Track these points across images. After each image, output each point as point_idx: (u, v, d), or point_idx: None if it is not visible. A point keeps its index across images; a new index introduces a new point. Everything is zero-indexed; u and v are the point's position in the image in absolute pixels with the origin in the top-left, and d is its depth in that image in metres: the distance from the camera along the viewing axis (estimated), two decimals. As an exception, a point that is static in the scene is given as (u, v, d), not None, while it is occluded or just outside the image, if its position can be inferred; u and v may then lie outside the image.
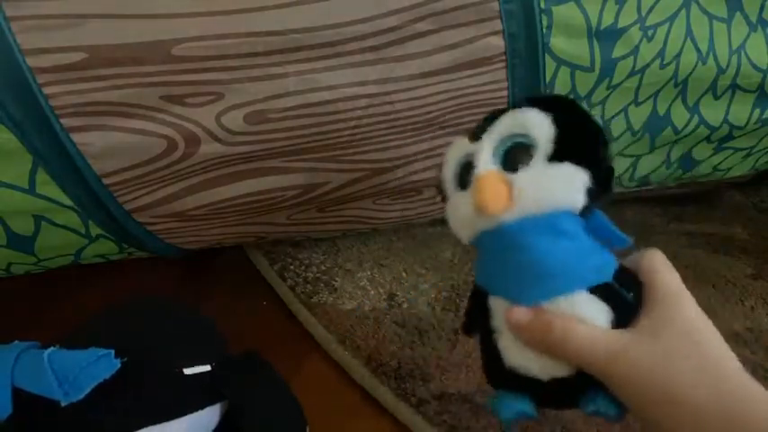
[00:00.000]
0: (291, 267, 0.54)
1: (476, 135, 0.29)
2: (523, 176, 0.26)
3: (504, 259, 0.27)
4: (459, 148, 0.30)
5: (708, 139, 0.50)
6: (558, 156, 0.26)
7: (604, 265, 0.26)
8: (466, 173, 0.28)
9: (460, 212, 0.28)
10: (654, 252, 0.28)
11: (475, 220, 0.27)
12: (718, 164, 0.55)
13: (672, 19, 0.41)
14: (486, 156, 0.27)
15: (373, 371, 0.43)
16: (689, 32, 0.42)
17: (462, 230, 0.29)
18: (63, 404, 0.30)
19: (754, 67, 0.45)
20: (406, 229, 0.58)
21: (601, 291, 0.26)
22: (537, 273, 0.26)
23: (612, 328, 0.25)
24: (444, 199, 0.31)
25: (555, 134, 0.26)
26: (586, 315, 0.25)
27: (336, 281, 0.52)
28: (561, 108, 0.27)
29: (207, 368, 0.36)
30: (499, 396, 0.29)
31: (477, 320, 0.30)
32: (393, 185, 0.46)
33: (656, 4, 0.40)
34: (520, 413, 0.27)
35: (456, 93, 0.40)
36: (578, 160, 0.26)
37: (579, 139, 0.26)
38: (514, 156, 0.27)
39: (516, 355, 0.27)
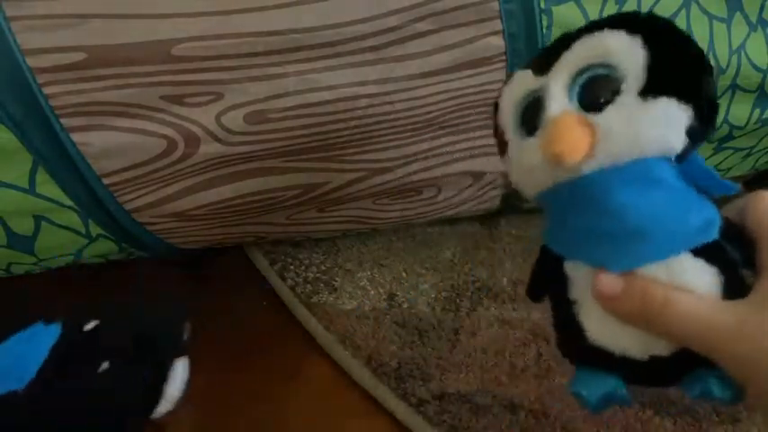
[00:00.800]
0: (291, 267, 0.54)
1: (542, 66, 0.24)
2: (609, 117, 0.21)
3: (586, 217, 0.22)
4: (522, 83, 0.24)
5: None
6: (652, 88, 0.21)
7: (709, 221, 0.22)
8: (533, 114, 0.23)
9: (527, 163, 0.23)
10: (761, 197, 0.23)
11: (547, 171, 0.23)
12: (718, 164, 0.55)
13: (672, 19, 0.41)
14: (559, 91, 0.22)
15: (373, 371, 0.42)
16: (689, 32, 0.42)
17: (529, 185, 0.24)
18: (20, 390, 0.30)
19: (754, 67, 0.45)
20: (406, 229, 0.58)
21: (707, 251, 0.21)
22: (628, 233, 0.21)
23: (724, 295, 0.21)
24: (502, 149, 0.26)
25: (647, 61, 0.21)
26: (692, 282, 0.21)
27: (336, 281, 0.52)
28: (652, 28, 0.22)
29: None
30: (581, 376, 0.24)
31: (546, 287, 0.26)
32: (393, 185, 0.46)
33: (655, 4, 0.40)
34: (610, 395, 0.23)
35: (456, 93, 0.40)
36: (678, 93, 0.21)
37: (678, 67, 0.21)
38: (595, 90, 0.22)
39: (604, 331, 0.23)
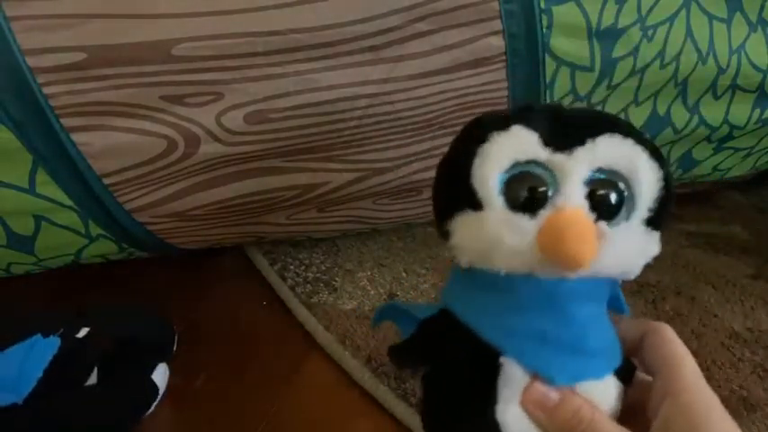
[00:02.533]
0: (291, 267, 0.54)
1: (560, 142, 0.21)
2: (620, 235, 0.21)
3: (545, 321, 0.21)
4: (525, 145, 0.21)
5: (708, 139, 0.50)
6: (655, 222, 0.22)
7: (620, 345, 0.23)
8: (527, 187, 0.21)
9: (509, 241, 0.20)
10: (661, 335, 0.24)
11: (528, 259, 0.20)
12: (718, 164, 0.55)
13: (672, 19, 0.41)
14: (579, 184, 0.21)
15: (373, 371, 0.42)
16: (689, 32, 0.42)
17: (491, 261, 0.21)
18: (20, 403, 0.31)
19: (754, 67, 0.45)
20: (406, 229, 0.58)
21: (617, 371, 0.23)
22: (584, 350, 0.22)
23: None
24: (461, 206, 0.22)
25: (660, 196, 0.22)
26: (612, 401, 0.22)
27: (336, 281, 0.52)
28: (659, 157, 0.22)
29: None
30: None
31: (428, 358, 0.25)
32: (393, 185, 0.46)
33: (656, 4, 0.40)
34: None
35: (456, 93, 0.40)
36: (663, 228, 0.22)
37: (668, 209, 0.22)
38: (607, 198, 0.21)
39: None
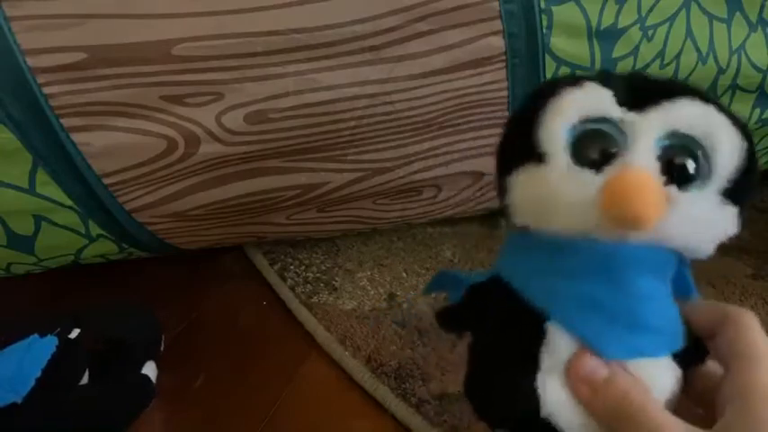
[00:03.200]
0: (291, 267, 0.54)
1: (635, 99, 0.20)
2: (691, 202, 0.19)
3: (599, 287, 0.20)
4: (598, 101, 0.20)
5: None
6: (732, 194, 0.20)
7: (683, 326, 0.21)
8: (595, 144, 0.20)
9: (572, 197, 0.19)
10: (746, 323, 0.21)
11: (589, 217, 0.19)
12: (719, 164, 0.55)
13: (672, 19, 0.41)
14: (650, 144, 0.19)
15: (373, 371, 0.42)
16: (689, 33, 0.42)
17: (553, 219, 0.20)
18: (19, 402, 0.31)
19: (754, 67, 0.45)
20: (406, 229, 0.58)
21: (677, 354, 0.21)
22: (640, 324, 0.20)
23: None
24: (523, 159, 0.21)
25: (741, 167, 0.20)
26: (667, 386, 0.20)
27: (336, 281, 0.52)
28: (742, 127, 0.20)
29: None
30: None
31: (473, 322, 0.24)
32: (393, 185, 0.46)
33: (656, 4, 0.40)
34: None
35: (456, 93, 0.40)
36: (743, 203, 0.20)
37: (750, 185, 0.20)
38: (682, 162, 0.20)
39: (564, 411, 0.20)
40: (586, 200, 0.19)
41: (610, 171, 0.19)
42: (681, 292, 0.22)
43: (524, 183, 0.21)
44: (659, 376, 0.20)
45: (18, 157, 0.36)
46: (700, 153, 0.20)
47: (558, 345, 0.20)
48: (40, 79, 0.34)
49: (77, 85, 0.34)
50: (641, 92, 0.21)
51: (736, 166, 0.20)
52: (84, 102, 0.35)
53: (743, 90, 0.46)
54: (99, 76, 0.34)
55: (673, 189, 0.19)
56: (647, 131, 0.20)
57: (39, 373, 0.34)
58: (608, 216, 0.19)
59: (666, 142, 0.20)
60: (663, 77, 0.22)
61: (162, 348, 0.44)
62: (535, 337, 0.21)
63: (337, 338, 0.46)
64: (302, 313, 0.49)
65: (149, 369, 0.41)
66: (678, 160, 0.20)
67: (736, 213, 0.20)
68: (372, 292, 0.51)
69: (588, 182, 0.19)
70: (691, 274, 0.22)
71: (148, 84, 0.35)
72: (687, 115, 0.20)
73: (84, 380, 0.37)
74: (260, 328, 0.49)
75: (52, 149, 0.36)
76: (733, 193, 0.20)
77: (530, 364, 0.21)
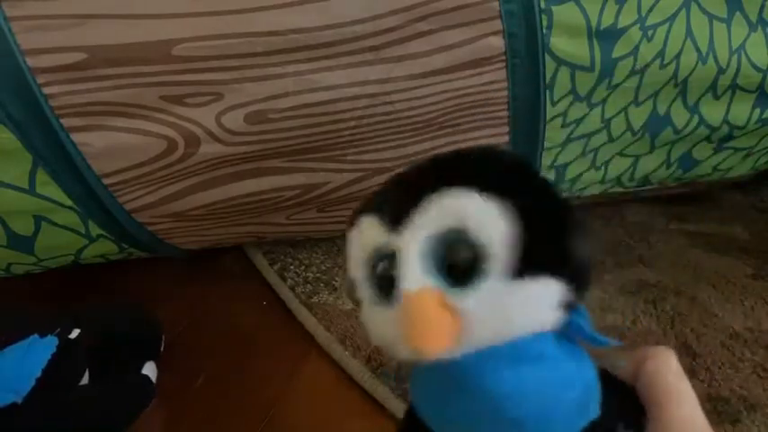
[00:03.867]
0: (291, 267, 0.54)
1: (391, 219, 0.20)
2: (474, 303, 0.18)
3: (461, 400, 0.19)
4: (370, 235, 0.20)
5: (708, 139, 0.50)
6: (518, 268, 0.18)
7: (590, 394, 0.19)
8: (386, 276, 0.20)
9: (384, 336, 0.20)
10: (657, 363, 0.20)
11: (408, 351, 0.19)
12: (718, 164, 0.55)
13: (672, 19, 0.41)
14: (413, 261, 0.18)
15: (373, 371, 0.42)
16: (689, 32, 0.42)
17: (392, 354, 0.20)
18: (19, 402, 0.31)
19: (754, 67, 0.45)
20: (406, 229, 0.58)
21: (590, 428, 0.19)
22: (508, 421, 0.18)
23: None
24: (356, 304, 0.22)
25: (513, 235, 0.18)
26: None
27: (336, 281, 0.52)
28: (513, 185, 0.19)
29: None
30: None
31: None
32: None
33: (656, 4, 0.40)
34: None
35: (456, 93, 0.40)
36: (548, 269, 0.18)
37: (545, 237, 0.18)
38: (455, 260, 0.18)
39: None
40: (395, 336, 0.19)
41: (395, 304, 0.19)
42: (592, 343, 0.20)
43: (363, 324, 0.21)
44: None
45: (18, 157, 0.36)
46: (465, 244, 0.18)
47: None
48: (40, 79, 0.34)
49: (77, 85, 0.34)
50: (401, 205, 0.19)
51: (510, 239, 0.18)
52: (84, 102, 0.35)
53: (743, 90, 0.46)
54: (99, 76, 0.34)
55: (455, 296, 0.18)
56: (407, 251, 0.19)
57: (39, 373, 0.34)
58: (411, 351, 0.18)
59: (432, 250, 0.18)
60: (429, 160, 0.21)
61: (162, 348, 0.44)
62: None
63: (337, 338, 0.46)
64: (302, 313, 0.49)
65: (149, 369, 0.41)
66: (449, 263, 0.18)
67: (547, 281, 0.18)
68: (372, 292, 0.51)
69: (389, 318, 0.19)
70: (585, 323, 0.20)
71: (148, 84, 0.35)
72: (436, 215, 0.19)
73: (85, 380, 0.37)
74: (260, 328, 0.49)
75: (52, 149, 0.36)
76: (527, 266, 0.18)
77: None
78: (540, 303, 0.18)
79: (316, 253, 0.56)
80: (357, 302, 0.21)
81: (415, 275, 0.18)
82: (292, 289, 0.51)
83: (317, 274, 0.53)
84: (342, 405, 0.42)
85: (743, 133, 0.50)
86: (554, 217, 0.19)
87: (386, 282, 0.19)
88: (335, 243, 0.57)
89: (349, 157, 0.42)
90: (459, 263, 0.18)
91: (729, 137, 0.51)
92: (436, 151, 0.48)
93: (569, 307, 0.19)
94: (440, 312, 0.18)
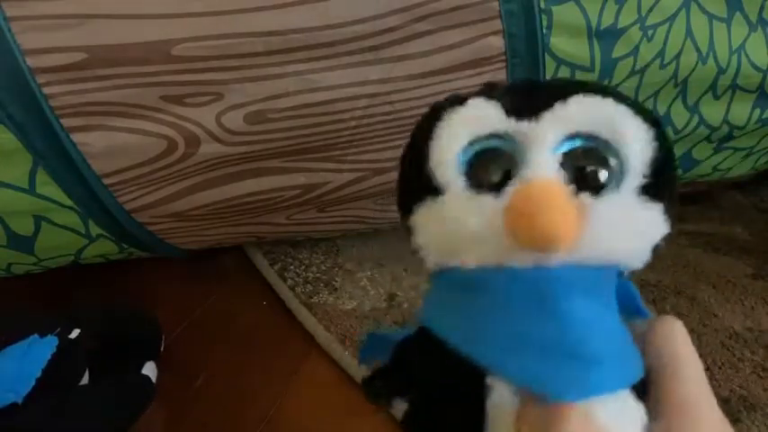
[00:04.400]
0: (291, 267, 0.54)
1: (523, 107, 0.18)
2: (607, 207, 0.17)
3: (528, 322, 0.17)
4: (483, 117, 0.18)
5: (708, 139, 0.50)
6: (651, 190, 0.17)
7: (636, 356, 0.18)
8: (490, 164, 0.18)
9: (473, 226, 0.17)
10: (666, 328, 0.19)
11: (497, 245, 0.17)
12: (718, 164, 0.55)
13: (672, 19, 0.41)
14: (548, 151, 0.17)
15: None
16: (689, 32, 0.42)
17: (457, 253, 0.18)
18: (19, 402, 0.31)
19: (754, 67, 0.45)
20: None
21: (637, 386, 0.18)
22: (583, 354, 0.17)
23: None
24: (420, 195, 0.19)
25: (655, 159, 0.18)
26: (632, 424, 0.17)
27: (336, 281, 0.52)
28: (654, 120, 0.18)
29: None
30: None
31: (409, 385, 0.21)
32: (393, 185, 0.46)
33: (655, 4, 0.40)
34: None
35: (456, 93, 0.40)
36: (667, 203, 0.18)
37: (671, 176, 0.18)
38: (589, 166, 0.17)
39: None
40: (492, 227, 0.17)
41: (509, 191, 0.17)
42: (631, 312, 0.20)
43: (426, 220, 0.19)
44: (620, 414, 0.17)
45: (18, 157, 0.36)
46: (607, 152, 0.18)
47: (503, 399, 0.17)
48: (40, 79, 0.34)
49: (77, 85, 0.34)
50: (532, 97, 0.19)
51: (649, 158, 0.18)
52: (84, 102, 0.35)
53: (743, 90, 0.46)
54: (99, 76, 0.34)
55: (585, 197, 0.17)
56: (543, 139, 0.17)
57: (38, 374, 0.34)
58: (516, 240, 0.16)
59: (568, 147, 0.18)
60: (558, 78, 0.19)
61: (162, 348, 0.44)
62: (478, 396, 0.18)
63: (337, 338, 0.46)
64: (302, 313, 0.49)
65: (149, 369, 0.41)
66: (584, 165, 0.17)
67: (661, 211, 0.18)
68: (372, 292, 0.51)
69: (489, 207, 0.17)
70: (636, 290, 0.20)
71: (148, 84, 0.35)
72: (584, 113, 0.18)
73: (85, 380, 0.37)
74: (260, 328, 0.49)
75: (52, 149, 0.36)
76: (653, 188, 0.18)
77: (472, 421, 0.18)
78: (653, 230, 0.18)
79: (316, 253, 0.56)
80: (428, 192, 0.19)
81: (548, 164, 0.17)
82: (292, 289, 0.51)
83: (317, 274, 0.53)
84: (342, 405, 0.42)
85: (743, 133, 0.50)
86: (675, 159, 0.19)
87: (492, 172, 0.18)
88: (335, 243, 0.57)
89: (349, 157, 0.42)
90: (597, 166, 0.17)
91: (729, 137, 0.51)
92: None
93: (654, 252, 0.18)
94: (570, 204, 0.16)
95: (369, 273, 0.53)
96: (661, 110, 0.46)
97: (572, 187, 0.17)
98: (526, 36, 0.38)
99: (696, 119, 0.48)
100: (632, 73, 0.42)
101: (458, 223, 0.18)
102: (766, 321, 0.47)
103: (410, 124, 0.44)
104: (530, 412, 0.17)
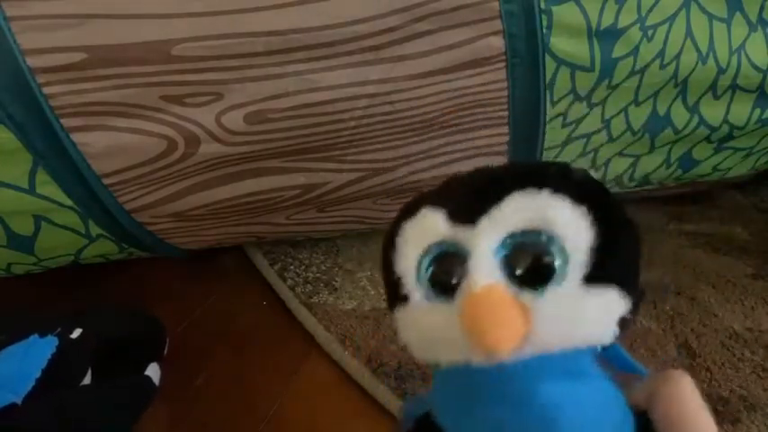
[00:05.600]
0: (291, 267, 0.54)
1: (462, 213, 0.19)
2: (549, 304, 0.18)
3: (503, 410, 0.18)
4: (432, 228, 0.20)
5: (708, 139, 0.50)
6: (597, 276, 0.18)
7: (626, 419, 0.19)
8: (445, 271, 0.19)
9: (435, 333, 0.19)
10: (676, 386, 0.19)
11: (459, 349, 0.18)
12: (718, 164, 0.55)
13: (672, 19, 0.41)
14: (487, 256, 0.18)
15: (373, 371, 0.42)
16: (689, 32, 0.42)
17: (431, 355, 0.20)
18: (19, 403, 0.31)
19: (754, 67, 0.45)
20: (406, 229, 0.58)
21: None
22: None
23: None
24: (396, 300, 0.21)
25: (595, 243, 0.18)
26: None
27: (336, 281, 0.52)
28: (593, 197, 0.19)
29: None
30: None
31: None
32: (393, 185, 0.46)
33: (655, 4, 0.40)
34: None
35: (456, 93, 0.40)
36: (620, 283, 0.18)
37: (622, 253, 0.19)
38: (528, 262, 0.18)
39: None
40: (452, 330, 0.18)
41: (459, 297, 0.18)
42: (627, 371, 0.20)
43: (402, 323, 0.21)
44: None
45: (18, 157, 0.36)
46: (549, 245, 0.18)
47: None
48: (40, 79, 0.34)
49: (77, 85, 0.34)
50: (473, 200, 0.19)
51: (590, 245, 0.18)
52: (84, 102, 0.35)
53: (743, 90, 0.46)
54: (99, 76, 0.34)
55: (527, 297, 0.18)
56: (480, 246, 0.18)
57: (38, 374, 0.34)
58: (471, 344, 0.18)
59: (508, 248, 0.18)
60: (505, 167, 0.21)
61: (166, 351, 0.44)
62: None
63: (337, 338, 0.46)
64: (302, 313, 0.49)
65: (152, 371, 0.41)
66: (524, 264, 0.18)
67: (615, 292, 0.18)
68: (372, 292, 0.51)
69: (446, 313, 0.18)
70: (624, 352, 0.21)
71: (148, 84, 0.35)
72: (518, 213, 0.18)
73: (87, 380, 0.37)
74: (260, 328, 0.49)
75: (52, 149, 0.36)
76: (599, 275, 0.18)
77: None
78: (607, 314, 0.18)
79: (316, 253, 0.56)
80: (399, 299, 0.20)
81: (488, 271, 0.18)
82: (292, 289, 0.51)
83: (317, 274, 0.53)
84: (342, 405, 0.42)
85: (743, 133, 0.50)
86: (627, 235, 0.19)
87: (444, 277, 0.19)
88: (335, 243, 0.57)
89: (349, 157, 0.42)
90: (536, 264, 0.18)
91: (729, 137, 0.51)
92: (436, 151, 0.49)
93: (624, 329, 0.19)
94: (512, 310, 0.17)
95: (369, 273, 0.53)
96: (661, 110, 0.46)
97: (513, 289, 0.18)
98: (526, 36, 0.38)
99: (696, 119, 0.48)
100: (632, 73, 0.42)
101: (422, 330, 0.20)
102: (766, 321, 0.47)
103: (410, 124, 0.44)
104: None
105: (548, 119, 0.43)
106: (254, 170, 0.42)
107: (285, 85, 0.37)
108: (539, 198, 0.18)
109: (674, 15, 0.41)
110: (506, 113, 0.42)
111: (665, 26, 0.41)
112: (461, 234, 0.19)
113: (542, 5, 0.37)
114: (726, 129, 0.49)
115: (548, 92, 0.41)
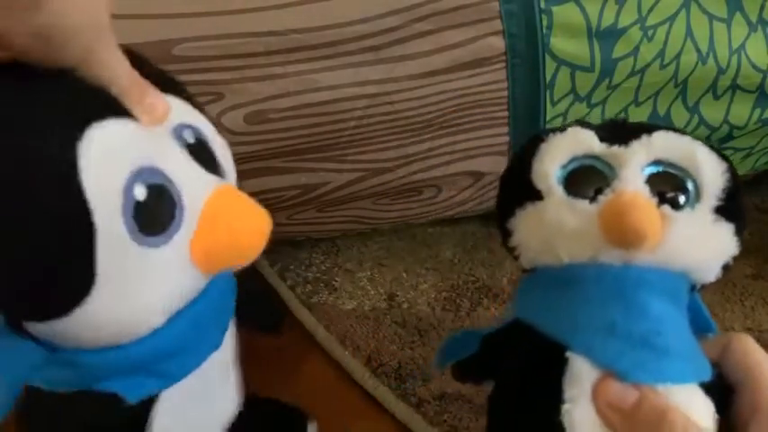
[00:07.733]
0: (291, 267, 0.54)
1: (615, 136, 0.22)
2: (685, 218, 0.20)
3: (613, 311, 0.20)
4: (581, 141, 0.22)
5: (708, 139, 0.50)
6: (725, 211, 0.21)
7: (705, 358, 0.21)
8: (585, 179, 0.21)
9: (571, 226, 0.20)
10: (743, 341, 0.21)
11: (592, 242, 0.20)
12: (719, 164, 0.55)
13: (672, 19, 0.41)
14: (637, 170, 0.21)
15: (373, 371, 0.42)
16: (689, 32, 0.42)
17: (555, 250, 0.21)
18: None
19: (754, 67, 0.45)
20: (406, 229, 0.58)
21: (705, 387, 0.20)
22: (659, 346, 0.19)
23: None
24: (523, 199, 0.22)
25: (728, 188, 0.21)
26: (701, 415, 0.19)
27: (336, 281, 0.52)
28: (726, 159, 0.22)
29: None
30: None
31: (494, 367, 0.24)
32: (393, 185, 0.46)
33: (656, 4, 0.40)
34: None
35: (456, 93, 0.40)
36: (737, 221, 0.21)
37: (742, 201, 0.22)
38: (668, 186, 0.21)
39: None
40: (586, 225, 0.20)
41: (603, 199, 0.20)
42: (699, 326, 0.22)
43: (526, 220, 0.22)
44: (691, 404, 0.19)
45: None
46: (685, 178, 0.21)
47: (581, 373, 0.20)
48: (40, 79, 0.33)
49: (77, 85, 0.34)
50: (621, 130, 0.22)
51: (722, 186, 0.21)
52: (84, 102, 0.35)
53: (743, 90, 0.46)
54: (99, 76, 0.34)
55: (667, 208, 0.20)
56: (633, 161, 0.21)
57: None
58: (609, 237, 0.19)
59: (653, 170, 0.21)
60: (641, 122, 0.24)
61: None
62: (556, 369, 0.20)
63: (337, 338, 0.46)
64: (302, 313, 0.49)
65: None
66: (665, 186, 0.21)
67: (732, 230, 0.21)
68: (372, 292, 0.51)
69: (585, 210, 0.20)
70: (704, 306, 0.22)
71: (148, 84, 0.35)
72: (668, 144, 0.21)
73: None
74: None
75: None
76: (726, 210, 0.21)
77: (555, 398, 0.20)
78: (725, 250, 0.21)
79: (316, 253, 0.56)
80: (530, 198, 0.22)
81: (637, 180, 0.20)
82: (292, 289, 0.51)
83: (317, 274, 0.53)
84: (342, 405, 0.42)
85: (743, 133, 0.50)
86: (738, 182, 0.22)
87: (585, 184, 0.21)
88: (335, 243, 0.57)
89: (349, 157, 0.42)
90: (676, 186, 0.21)
91: (729, 137, 0.51)
92: (436, 151, 0.49)
93: (725, 269, 0.21)
94: (656, 212, 0.20)
95: (369, 273, 0.53)
96: (661, 110, 0.46)
97: (656, 200, 0.20)
98: (526, 36, 0.38)
99: (696, 119, 0.48)
100: (632, 73, 0.42)
101: (556, 223, 0.21)
102: (766, 321, 0.47)
103: (410, 124, 0.44)
104: (607, 386, 0.19)
105: (548, 119, 0.43)
106: (255, 170, 0.42)
107: (285, 85, 0.37)
108: (684, 138, 0.22)
109: (675, 15, 0.41)
110: (506, 113, 0.42)
111: (666, 26, 0.41)
112: (611, 151, 0.21)
113: (542, 5, 0.38)
114: (726, 129, 0.49)
115: (548, 92, 0.41)
